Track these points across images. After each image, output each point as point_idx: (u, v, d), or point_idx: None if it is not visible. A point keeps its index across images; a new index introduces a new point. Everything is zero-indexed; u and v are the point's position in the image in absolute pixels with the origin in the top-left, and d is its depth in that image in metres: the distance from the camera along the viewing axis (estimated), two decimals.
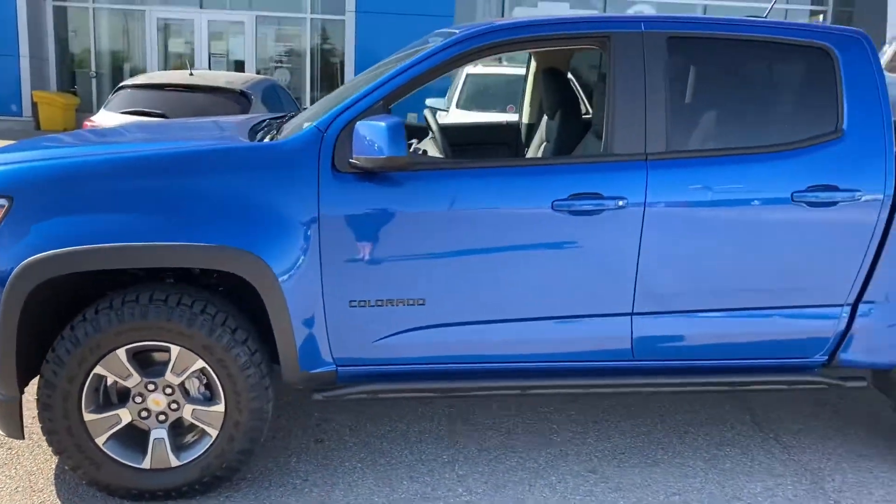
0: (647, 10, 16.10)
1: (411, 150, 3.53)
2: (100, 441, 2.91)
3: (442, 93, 10.74)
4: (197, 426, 2.99)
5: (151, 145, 3.13)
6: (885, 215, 3.13)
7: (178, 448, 2.99)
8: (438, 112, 9.70)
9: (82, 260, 2.71)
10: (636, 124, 3.02)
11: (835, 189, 3.08)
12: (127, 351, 2.85)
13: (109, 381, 2.93)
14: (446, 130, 3.94)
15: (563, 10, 16.08)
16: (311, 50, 16.40)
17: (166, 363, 2.90)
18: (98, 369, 2.84)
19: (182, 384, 2.94)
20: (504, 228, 2.97)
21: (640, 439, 3.69)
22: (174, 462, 2.97)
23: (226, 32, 16.43)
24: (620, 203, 2.98)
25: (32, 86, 15.25)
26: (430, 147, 3.54)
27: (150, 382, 2.91)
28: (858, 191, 3.09)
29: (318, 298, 2.93)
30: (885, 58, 12.09)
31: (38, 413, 2.85)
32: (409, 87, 2.99)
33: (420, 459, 3.42)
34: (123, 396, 2.95)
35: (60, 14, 16.03)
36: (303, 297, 2.90)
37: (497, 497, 3.15)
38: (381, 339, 3.02)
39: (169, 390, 2.93)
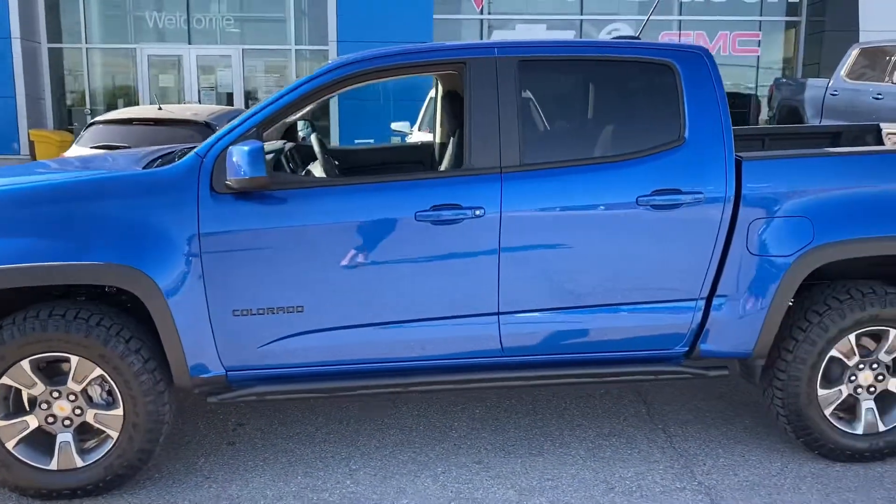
0: (624, 29, 16.42)
1: (302, 171, 3.85)
2: (10, 445, 3.21)
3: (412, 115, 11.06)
4: (100, 429, 3.28)
5: (55, 175, 3.45)
6: (728, 215, 3.38)
7: (84, 450, 3.28)
8: (406, 134, 10.05)
9: None
10: (491, 141, 3.31)
11: (678, 192, 3.35)
12: (31, 362, 3.16)
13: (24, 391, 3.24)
14: (355, 153, 4.26)
15: (541, 32, 16.46)
16: (298, 79, 16.86)
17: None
18: (4, 380, 3.16)
19: (84, 391, 3.24)
20: (372, 239, 3.26)
21: (534, 433, 3.94)
22: (80, 463, 3.26)
23: (215, 66, 16.91)
24: (478, 213, 3.27)
25: (29, 125, 15.77)
26: (318, 169, 3.85)
27: (55, 390, 3.21)
28: (700, 193, 3.35)
29: (203, 309, 3.22)
30: (845, 67, 12.33)
31: None
32: (279, 115, 3.32)
33: (319, 457, 3.69)
34: (33, 403, 3.25)
35: (55, 55, 16.60)
36: (188, 308, 3.19)
37: (380, 487, 3.42)
38: (266, 344, 3.31)
39: (72, 397, 3.23)
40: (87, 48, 16.64)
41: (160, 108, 8.46)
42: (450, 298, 3.35)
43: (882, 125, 5.16)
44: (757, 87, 17.00)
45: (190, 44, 16.54)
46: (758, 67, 17.08)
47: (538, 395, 4.38)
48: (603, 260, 3.38)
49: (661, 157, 3.37)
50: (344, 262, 3.26)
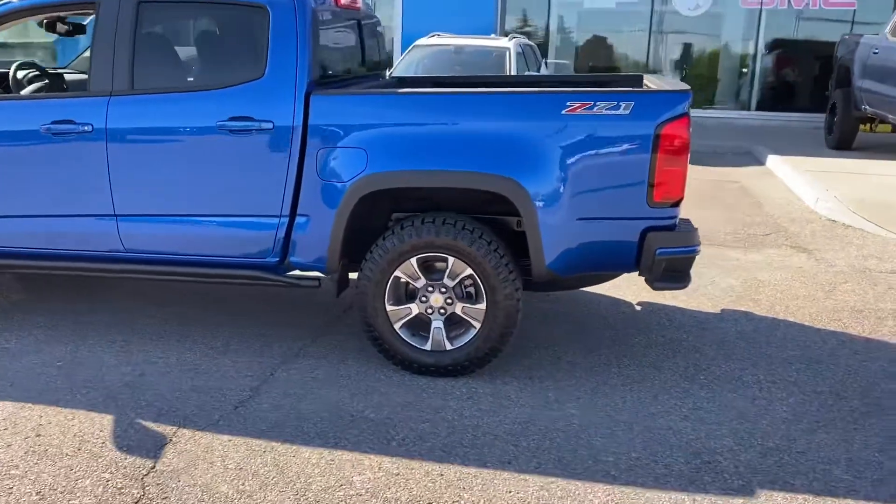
0: None
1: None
2: None
3: None
4: None
5: None
6: (297, 142, 3.84)
7: None
8: None
9: None
10: (106, 69, 3.99)
11: (250, 119, 3.85)
12: None
13: None
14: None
15: None
16: None
17: None
18: None
19: None
20: (12, 146, 4.10)
21: (222, 330, 4.51)
22: None
23: None
24: (86, 128, 3.97)
25: None
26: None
27: None
28: (270, 122, 3.83)
29: None
30: (892, 22, 11.30)
31: None
32: None
33: (19, 326, 4.59)
34: None
35: None
36: None
37: (38, 346, 4.26)
38: None
39: None
40: None
41: None
42: (76, 199, 4.11)
43: (646, 76, 5.16)
44: None
45: None
46: (853, 23, 15.67)
47: (278, 297, 4.97)
48: (195, 176, 3.98)
49: (242, 88, 3.89)
50: None
